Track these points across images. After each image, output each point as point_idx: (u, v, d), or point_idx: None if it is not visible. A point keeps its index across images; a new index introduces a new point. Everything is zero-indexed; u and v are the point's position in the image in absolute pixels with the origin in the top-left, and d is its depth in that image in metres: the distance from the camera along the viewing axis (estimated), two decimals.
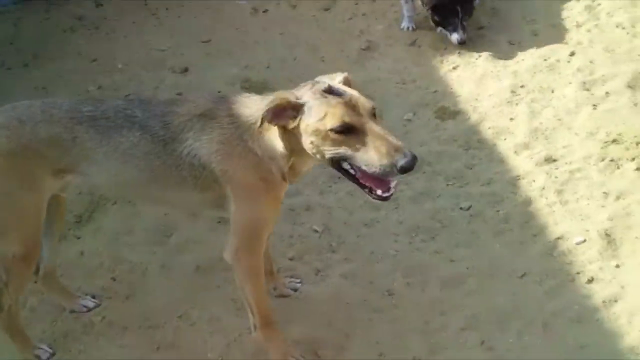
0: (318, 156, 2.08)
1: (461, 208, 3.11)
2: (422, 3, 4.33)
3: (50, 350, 2.62)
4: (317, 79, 2.16)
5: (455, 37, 4.21)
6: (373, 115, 2.04)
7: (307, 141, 2.06)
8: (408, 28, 4.52)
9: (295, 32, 4.81)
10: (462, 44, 4.20)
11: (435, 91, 3.98)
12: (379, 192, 2.07)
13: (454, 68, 4.12)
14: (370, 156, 1.95)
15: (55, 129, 2.22)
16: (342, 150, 2.00)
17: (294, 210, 3.25)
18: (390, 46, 4.38)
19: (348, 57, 4.39)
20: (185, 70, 4.57)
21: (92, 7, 5.74)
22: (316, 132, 2.02)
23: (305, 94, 2.08)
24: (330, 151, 2.02)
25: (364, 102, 2.03)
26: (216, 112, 2.24)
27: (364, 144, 1.97)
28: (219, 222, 3.19)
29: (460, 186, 3.26)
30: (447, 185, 3.28)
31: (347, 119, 1.97)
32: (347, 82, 2.16)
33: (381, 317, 2.66)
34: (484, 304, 2.66)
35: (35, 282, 2.77)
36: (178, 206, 2.57)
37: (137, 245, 3.10)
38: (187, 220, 3.21)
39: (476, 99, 3.85)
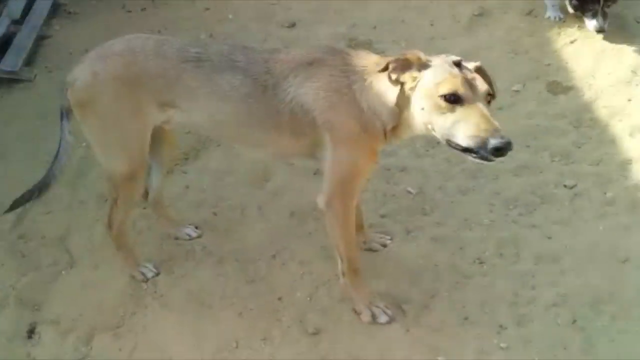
0: (429, 126, 2.13)
1: (565, 185, 3.01)
2: None
3: (155, 270, 2.83)
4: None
5: (593, 24, 3.88)
6: (486, 100, 2.08)
7: (418, 106, 2.12)
8: (555, 17, 4.15)
9: None
10: (600, 32, 3.88)
11: (548, 64, 3.82)
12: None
13: (572, 42, 3.93)
14: (467, 129, 2.01)
15: (164, 64, 2.36)
16: (443, 119, 2.05)
17: (390, 170, 3.27)
18: (504, 13, 4.23)
19: (459, 23, 4.29)
20: (293, 25, 4.65)
21: None
22: (428, 95, 2.08)
23: (435, 59, 2.15)
24: (435, 120, 2.08)
25: (482, 84, 2.08)
26: (326, 61, 2.30)
27: (466, 117, 2.02)
28: (315, 173, 3.28)
29: (566, 164, 3.14)
30: (552, 161, 3.17)
31: (460, 91, 2.03)
32: (478, 70, 2.17)
33: (469, 282, 2.66)
34: (579, 284, 2.58)
35: (145, 208, 2.99)
36: (269, 150, 2.61)
37: (237, 185, 3.26)
38: (285, 167, 3.31)
39: (592, 76, 3.67)
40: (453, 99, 2.03)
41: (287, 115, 2.31)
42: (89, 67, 2.39)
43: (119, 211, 2.63)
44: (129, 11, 5.24)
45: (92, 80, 2.37)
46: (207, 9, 5.05)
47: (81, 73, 2.39)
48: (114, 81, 2.36)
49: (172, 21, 4.94)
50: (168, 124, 2.54)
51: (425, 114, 2.11)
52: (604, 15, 3.85)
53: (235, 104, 2.35)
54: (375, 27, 4.46)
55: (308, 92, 2.27)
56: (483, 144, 1.98)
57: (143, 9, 5.23)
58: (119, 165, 2.50)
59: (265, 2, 5.00)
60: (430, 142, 3.41)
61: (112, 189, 2.60)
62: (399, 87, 2.17)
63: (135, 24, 5.00)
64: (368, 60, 2.29)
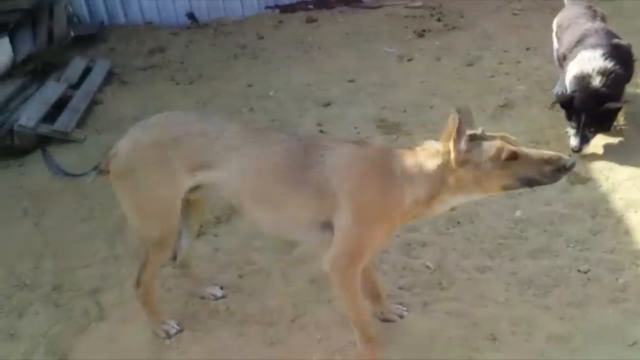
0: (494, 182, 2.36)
1: (579, 270, 3.09)
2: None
3: (178, 327, 2.96)
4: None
5: (571, 141, 3.91)
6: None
7: (487, 172, 2.33)
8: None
9: (436, 82, 5.05)
10: (576, 151, 3.86)
11: (568, 156, 3.97)
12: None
13: None
14: (539, 168, 2.31)
15: (206, 126, 2.60)
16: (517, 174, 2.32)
17: (410, 245, 3.41)
18: (528, 106, 4.46)
19: (484, 112, 4.53)
20: (328, 104, 4.98)
21: (255, 38, 6.43)
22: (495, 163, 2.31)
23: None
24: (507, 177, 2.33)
25: (510, 137, 2.38)
26: (365, 146, 2.53)
27: (530, 162, 2.31)
28: None
29: (581, 250, 3.24)
30: (568, 246, 3.27)
31: (512, 148, 2.31)
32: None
33: (480, 358, 2.71)
34: None
35: (174, 267, 3.17)
36: (285, 214, 2.61)
37: (264, 250, 3.43)
38: None
39: (610, 169, 3.82)
40: (512, 157, 2.29)
41: (321, 178, 2.44)
42: (131, 136, 2.64)
43: (147, 272, 2.80)
44: (177, 83, 5.68)
45: (133, 147, 2.59)
46: (250, 85, 5.44)
47: (123, 143, 2.62)
48: (153, 147, 2.56)
49: (216, 94, 5.33)
50: (195, 193, 2.68)
51: (494, 175, 2.32)
52: (585, 138, 3.87)
53: (274, 156, 2.52)
54: (404, 111, 4.74)
55: (340, 172, 2.44)
56: (559, 169, 2.31)
57: (191, 82, 5.66)
58: (152, 231, 2.68)
59: (304, 83, 5.37)
60: (451, 221, 3.56)
61: (143, 253, 2.78)
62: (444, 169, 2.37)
63: (182, 95, 5.40)
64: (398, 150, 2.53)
